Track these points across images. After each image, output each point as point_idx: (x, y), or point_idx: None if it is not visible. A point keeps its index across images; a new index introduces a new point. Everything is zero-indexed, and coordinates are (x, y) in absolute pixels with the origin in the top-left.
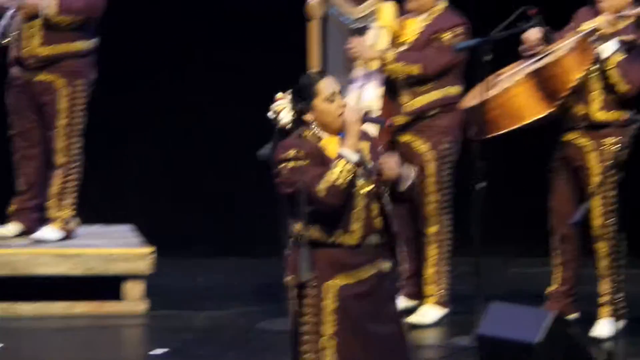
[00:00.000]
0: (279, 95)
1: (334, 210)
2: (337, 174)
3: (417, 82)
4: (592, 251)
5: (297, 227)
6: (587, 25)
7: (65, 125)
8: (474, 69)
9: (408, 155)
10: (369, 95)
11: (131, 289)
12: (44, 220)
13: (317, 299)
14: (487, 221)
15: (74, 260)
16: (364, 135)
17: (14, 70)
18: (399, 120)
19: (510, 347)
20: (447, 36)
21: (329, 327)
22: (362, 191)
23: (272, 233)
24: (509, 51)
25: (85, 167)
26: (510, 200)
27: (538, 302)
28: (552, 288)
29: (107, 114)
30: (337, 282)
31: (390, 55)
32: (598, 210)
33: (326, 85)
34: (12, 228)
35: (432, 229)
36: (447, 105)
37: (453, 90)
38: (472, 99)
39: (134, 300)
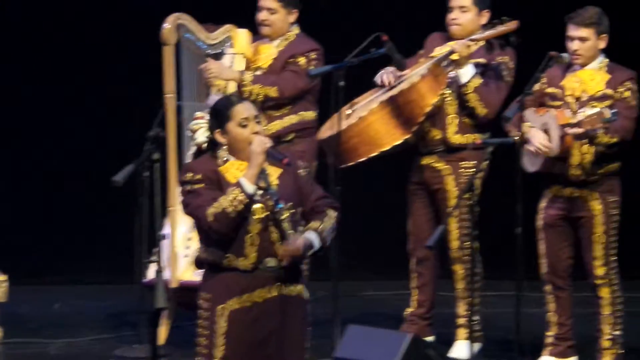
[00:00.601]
0: (198, 114)
1: (224, 235)
2: (229, 202)
3: (272, 107)
4: (451, 273)
5: (198, 249)
6: (439, 51)
7: None
8: (329, 94)
9: None
10: None
11: None
12: None
13: (210, 321)
14: (344, 245)
15: None
16: (279, 162)
17: None
18: None
19: None
20: (301, 61)
21: (219, 351)
22: (256, 216)
23: (127, 260)
24: (363, 77)
25: None
26: (367, 224)
27: (396, 324)
28: (410, 310)
29: None
30: (229, 306)
31: (248, 77)
32: (454, 233)
33: (240, 110)
34: None
35: None
36: (303, 130)
37: (308, 115)
38: (328, 129)
39: None
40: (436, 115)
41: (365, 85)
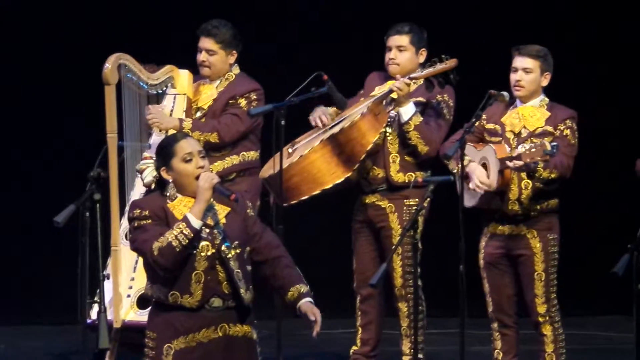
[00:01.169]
0: (146, 154)
1: (168, 271)
2: (174, 236)
3: (213, 148)
4: (396, 311)
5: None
6: (379, 90)
7: None
8: (270, 133)
9: None
10: None
11: None
12: None
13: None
14: None
15: None
16: (225, 200)
17: None
18: None
19: None
20: (242, 102)
21: None
22: (202, 254)
23: (70, 300)
24: (304, 116)
25: None
26: (311, 262)
27: None
28: (355, 349)
29: None
30: (175, 345)
31: (187, 124)
32: (398, 271)
33: (183, 146)
34: None
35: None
36: (245, 169)
37: (250, 155)
38: (270, 168)
39: None
40: (378, 154)
41: (306, 124)
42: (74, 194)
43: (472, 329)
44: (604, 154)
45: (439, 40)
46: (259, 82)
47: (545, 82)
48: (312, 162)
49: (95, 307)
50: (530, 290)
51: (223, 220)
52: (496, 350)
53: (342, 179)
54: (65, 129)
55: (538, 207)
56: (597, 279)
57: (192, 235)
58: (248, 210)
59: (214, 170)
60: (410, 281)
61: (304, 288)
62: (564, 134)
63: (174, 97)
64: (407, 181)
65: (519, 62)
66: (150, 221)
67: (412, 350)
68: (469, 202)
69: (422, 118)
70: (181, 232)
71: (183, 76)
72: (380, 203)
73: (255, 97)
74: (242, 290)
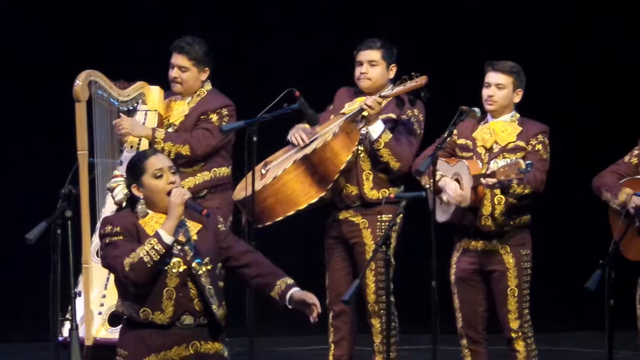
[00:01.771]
0: (117, 172)
1: (140, 287)
2: (145, 251)
3: (184, 164)
4: (369, 327)
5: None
6: (349, 107)
7: None
8: (242, 150)
9: None
10: None
11: None
12: None
13: None
14: (260, 300)
15: None
16: (196, 217)
17: None
18: None
19: None
20: (213, 118)
21: None
22: (174, 270)
23: (41, 318)
24: (276, 132)
25: None
26: None
27: None
28: None
29: None
30: None
31: (160, 134)
32: (371, 287)
33: (153, 162)
34: None
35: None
36: (216, 186)
37: (222, 171)
38: (242, 190)
39: None
40: (351, 171)
41: (278, 140)
42: (45, 211)
43: (445, 344)
44: (577, 168)
45: (407, 57)
46: (230, 99)
47: (517, 99)
48: (285, 183)
49: (67, 325)
50: (504, 306)
51: (194, 237)
52: None
53: (316, 199)
54: (35, 147)
55: (511, 222)
56: (569, 295)
57: (163, 250)
58: (219, 226)
59: (185, 186)
60: (383, 297)
61: (290, 280)
62: (536, 148)
63: (145, 114)
64: (380, 197)
65: (492, 77)
66: (121, 237)
67: None
68: (441, 217)
69: (391, 135)
70: (152, 247)
71: (154, 92)
72: (353, 219)
73: (226, 112)
74: (214, 307)
